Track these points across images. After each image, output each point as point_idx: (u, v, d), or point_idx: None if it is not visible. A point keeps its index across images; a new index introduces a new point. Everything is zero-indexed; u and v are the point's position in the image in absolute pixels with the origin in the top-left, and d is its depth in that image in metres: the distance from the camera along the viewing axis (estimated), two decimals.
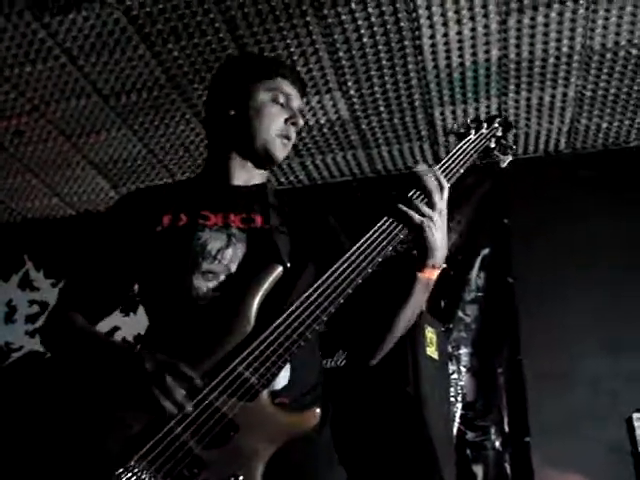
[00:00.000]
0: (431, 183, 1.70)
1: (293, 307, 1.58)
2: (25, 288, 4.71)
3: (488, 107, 3.69)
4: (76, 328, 1.74)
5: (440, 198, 1.68)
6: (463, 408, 3.69)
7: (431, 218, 1.65)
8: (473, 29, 3.15)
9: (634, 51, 3.29)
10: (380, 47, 3.24)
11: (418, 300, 1.73)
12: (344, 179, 4.38)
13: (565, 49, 3.27)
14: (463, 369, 3.78)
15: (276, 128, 1.86)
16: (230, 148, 1.91)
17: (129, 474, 1.43)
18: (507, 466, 3.57)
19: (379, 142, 4.01)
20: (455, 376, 3.73)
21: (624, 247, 3.76)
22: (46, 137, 3.93)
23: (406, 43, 3.23)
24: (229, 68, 2.01)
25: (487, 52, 3.29)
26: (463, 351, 3.81)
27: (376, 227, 1.67)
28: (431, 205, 1.67)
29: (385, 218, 1.68)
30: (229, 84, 1.94)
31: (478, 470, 3.58)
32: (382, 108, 3.69)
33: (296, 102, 1.91)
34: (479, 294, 3.92)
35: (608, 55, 3.32)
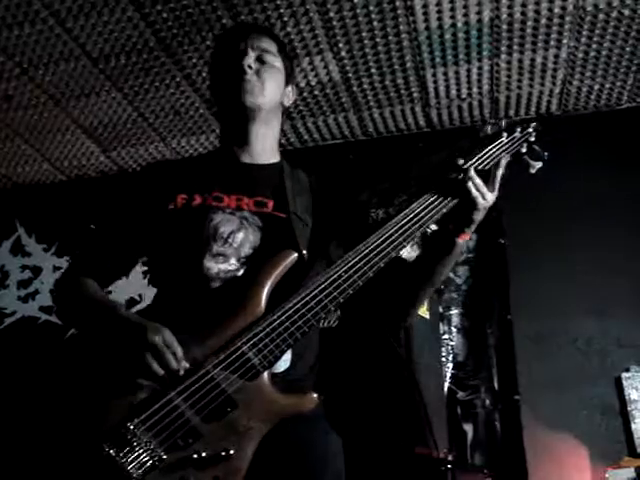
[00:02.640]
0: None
1: (302, 293, 1.62)
2: (17, 253, 4.71)
3: (480, 69, 3.67)
4: (87, 294, 1.77)
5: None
6: (454, 368, 3.74)
7: (484, 195, 1.74)
8: None
9: (626, 12, 3.27)
10: (371, 7, 3.22)
11: (456, 259, 1.81)
12: (335, 142, 4.37)
13: (557, 10, 3.25)
14: (454, 329, 3.82)
15: (232, 79, 1.84)
16: (226, 120, 1.94)
17: (127, 437, 1.47)
18: (497, 424, 3.63)
19: (370, 104, 3.99)
20: (446, 336, 3.78)
21: (616, 208, 3.78)
22: (35, 102, 3.90)
23: (397, 3, 3.20)
24: (214, 47, 2.09)
25: (479, 13, 3.27)
26: (454, 312, 3.85)
27: (413, 206, 1.73)
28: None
29: (427, 195, 1.74)
30: (211, 62, 2.02)
31: (468, 428, 3.64)
32: (373, 70, 3.67)
33: (250, 47, 1.87)
34: (470, 255, 3.95)
35: (600, 16, 3.30)
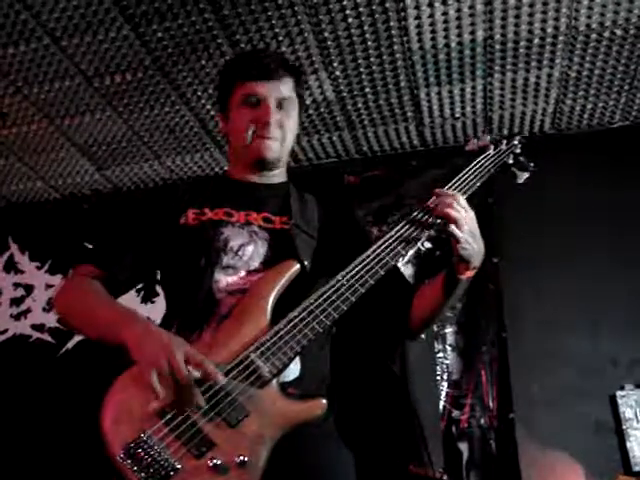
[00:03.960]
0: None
1: (307, 302, 1.65)
2: (10, 271, 4.69)
3: (473, 88, 3.70)
4: (103, 296, 1.77)
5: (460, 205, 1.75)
6: (448, 386, 3.73)
7: (458, 213, 1.72)
8: (459, 9, 3.14)
9: (618, 32, 3.30)
10: (366, 27, 3.24)
11: (458, 295, 1.85)
12: (330, 160, 4.38)
13: (550, 30, 3.27)
14: (448, 348, 3.81)
15: (251, 133, 1.92)
16: (240, 150, 1.99)
17: (140, 447, 1.48)
18: (492, 443, 3.62)
19: (365, 123, 4.01)
20: (441, 355, 3.77)
21: (610, 226, 3.79)
22: (29, 119, 3.89)
23: (392, 24, 3.22)
24: (221, 72, 2.12)
25: (472, 33, 3.29)
26: (448, 330, 3.84)
27: (397, 228, 1.76)
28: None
29: (404, 222, 1.77)
30: (218, 90, 2.06)
31: (464, 447, 3.62)
32: (368, 89, 3.69)
33: (269, 96, 1.92)
34: None
35: (593, 36, 3.33)
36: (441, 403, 3.62)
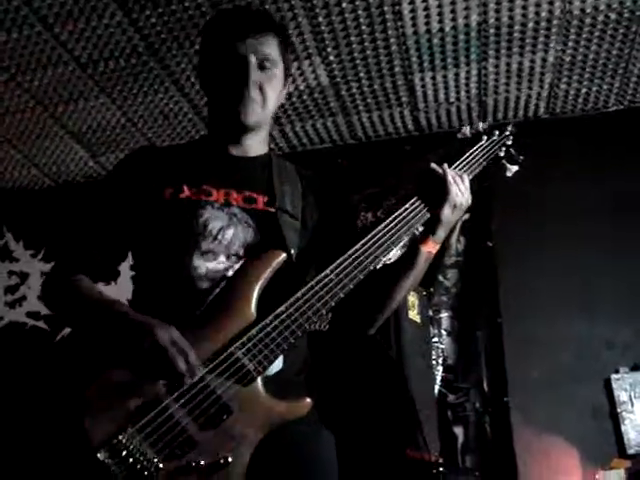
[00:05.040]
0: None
1: (295, 297, 1.60)
2: (4, 259, 4.69)
3: (468, 73, 3.69)
4: (81, 291, 1.71)
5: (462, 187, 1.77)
6: (444, 371, 3.75)
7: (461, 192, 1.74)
8: None
9: (613, 15, 3.30)
10: (359, 12, 3.22)
11: (420, 271, 1.78)
12: (324, 146, 4.38)
13: (544, 14, 3.27)
14: (444, 332, 3.83)
15: (230, 95, 1.77)
16: (218, 113, 1.85)
17: (123, 446, 1.45)
18: (487, 427, 3.65)
19: (359, 108, 4.00)
20: (436, 339, 3.79)
21: (604, 210, 3.80)
22: (23, 107, 3.88)
23: (385, 8, 3.21)
24: (205, 29, 1.93)
25: (467, 17, 3.29)
26: (444, 315, 3.86)
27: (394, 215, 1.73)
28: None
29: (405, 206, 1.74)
30: (203, 47, 1.89)
31: (459, 431, 3.64)
32: (362, 74, 3.68)
33: (250, 54, 1.76)
34: (459, 259, 3.97)
35: (587, 20, 3.32)
36: (436, 387, 3.64)
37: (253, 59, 1.76)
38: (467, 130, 1.95)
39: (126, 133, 4.18)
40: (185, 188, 1.74)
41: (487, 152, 1.90)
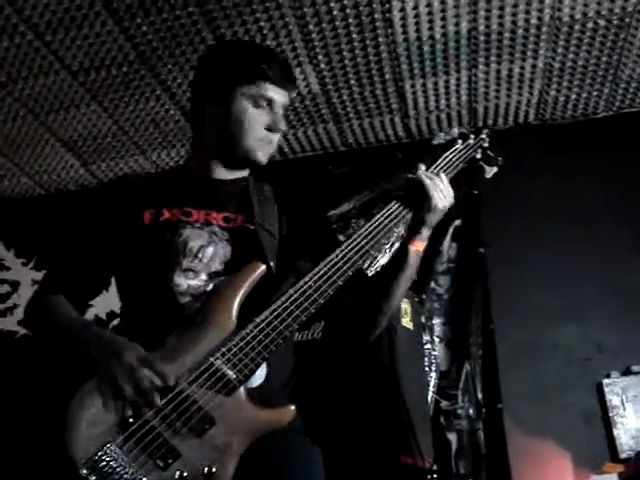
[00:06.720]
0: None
1: (275, 305, 1.61)
2: None
3: (458, 79, 3.71)
4: (57, 312, 1.74)
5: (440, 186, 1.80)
6: (437, 377, 3.75)
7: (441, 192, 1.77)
8: (443, 1, 3.15)
9: (602, 22, 3.32)
10: (350, 20, 3.24)
11: (411, 270, 1.81)
12: (315, 153, 4.39)
13: (534, 21, 3.29)
14: (436, 339, 3.83)
15: (257, 136, 1.82)
16: (210, 144, 1.88)
17: (104, 461, 1.43)
18: (480, 433, 3.64)
19: (350, 116, 4.01)
20: (428, 346, 3.78)
21: (594, 216, 3.82)
22: (14, 115, 3.87)
23: (376, 16, 3.22)
24: (212, 61, 1.93)
25: (457, 24, 3.30)
26: (436, 321, 3.87)
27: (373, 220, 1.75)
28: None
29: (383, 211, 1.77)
30: (209, 79, 1.88)
31: (452, 438, 3.64)
32: (353, 81, 3.69)
33: (280, 103, 1.85)
34: (451, 265, 3.97)
35: (576, 26, 3.34)
36: (430, 394, 3.64)
37: (281, 110, 1.86)
38: (442, 136, 1.97)
39: (117, 141, 4.17)
40: (165, 211, 1.78)
41: (463, 155, 1.92)
